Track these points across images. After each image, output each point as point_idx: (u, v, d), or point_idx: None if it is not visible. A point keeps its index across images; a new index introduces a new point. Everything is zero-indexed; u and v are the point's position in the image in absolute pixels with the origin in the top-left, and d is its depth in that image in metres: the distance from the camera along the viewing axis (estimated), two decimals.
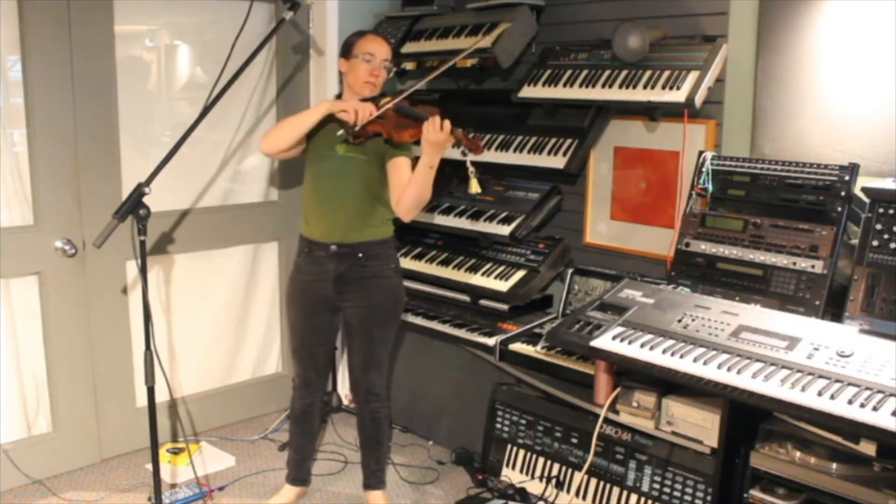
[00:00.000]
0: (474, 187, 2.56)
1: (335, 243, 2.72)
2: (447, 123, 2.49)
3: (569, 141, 3.06)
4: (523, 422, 3.11)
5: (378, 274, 2.76)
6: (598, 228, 3.18)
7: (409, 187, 2.63)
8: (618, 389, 2.62)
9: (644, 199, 3.02)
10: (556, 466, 2.99)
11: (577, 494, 2.88)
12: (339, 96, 2.87)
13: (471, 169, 2.52)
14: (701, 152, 2.69)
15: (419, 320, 3.32)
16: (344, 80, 2.81)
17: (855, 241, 2.32)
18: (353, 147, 2.68)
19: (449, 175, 3.52)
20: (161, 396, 2.86)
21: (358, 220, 2.73)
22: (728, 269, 2.55)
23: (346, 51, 2.77)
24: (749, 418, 2.23)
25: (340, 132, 2.64)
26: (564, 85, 3.00)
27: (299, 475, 3.03)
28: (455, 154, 2.59)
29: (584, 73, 2.97)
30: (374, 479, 2.95)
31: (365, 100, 2.71)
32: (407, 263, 3.42)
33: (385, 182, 2.74)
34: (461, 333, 3.17)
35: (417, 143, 2.60)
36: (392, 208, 2.75)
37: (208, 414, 3.63)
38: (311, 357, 2.88)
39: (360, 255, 2.72)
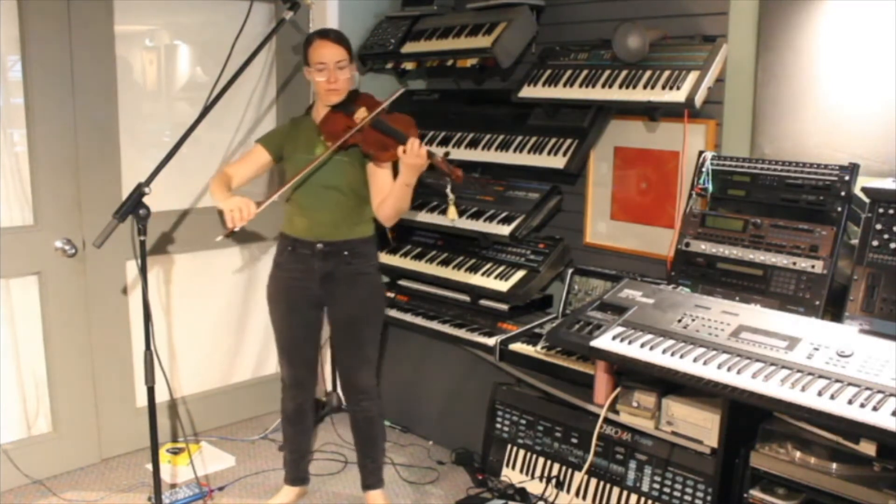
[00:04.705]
0: (451, 214, 2.58)
1: (321, 241, 2.72)
2: (424, 148, 2.51)
3: (569, 141, 3.06)
4: (523, 422, 3.11)
5: (362, 272, 2.76)
6: (598, 228, 3.18)
7: (387, 200, 2.68)
8: (618, 389, 2.62)
9: (644, 199, 3.02)
10: (556, 466, 2.99)
11: (577, 494, 2.88)
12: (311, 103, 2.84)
13: (451, 197, 2.54)
14: (701, 152, 2.69)
15: (419, 320, 3.32)
16: None
17: (855, 241, 2.32)
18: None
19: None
20: (161, 396, 2.86)
21: (343, 219, 2.73)
22: (728, 269, 2.55)
23: (304, 58, 2.74)
24: (749, 418, 2.23)
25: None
26: (564, 85, 3.00)
27: (298, 475, 3.02)
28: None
29: (584, 73, 2.97)
30: (372, 479, 2.95)
31: (336, 107, 2.70)
32: (407, 263, 3.42)
33: (367, 181, 2.75)
34: (461, 333, 3.17)
35: None
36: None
37: (208, 414, 3.63)
38: (301, 356, 2.87)
39: (346, 253, 2.72)
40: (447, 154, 2.59)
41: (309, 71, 2.72)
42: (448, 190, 2.57)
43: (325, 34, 2.73)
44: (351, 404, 2.90)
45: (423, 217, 3.38)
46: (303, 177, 2.67)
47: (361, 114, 2.67)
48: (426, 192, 3.38)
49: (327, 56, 2.66)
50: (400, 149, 2.52)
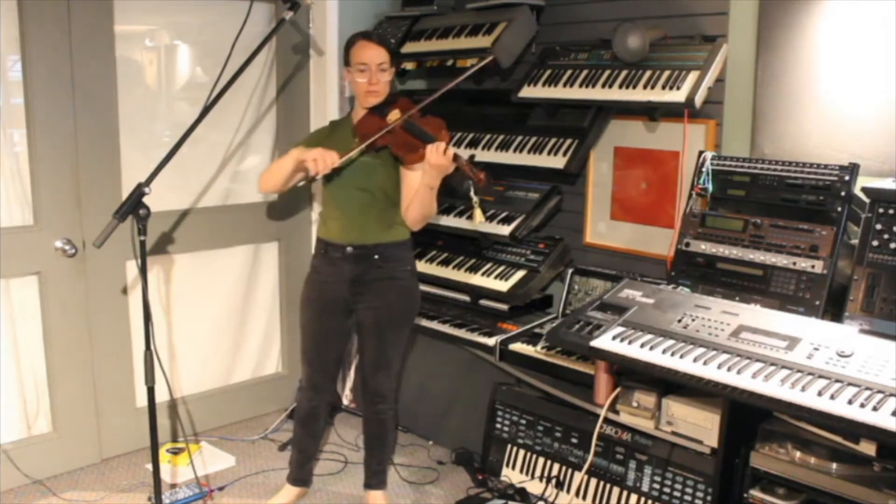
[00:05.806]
0: (478, 218, 2.56)
1: (351, 244, 2.71)
2: (451, 150, 2.50)
3: (569, 141, 3.06)
4: (523, 422, 3.11)
5: (393, 276, 2.75)
6: (598, 228, 3.18)
7: (413, 203, 2.68)
8: (618, 389, 2.62)
9: (644, 199, 3.01)
10: (556, 466, 2.99)
11: (577, 494, 2.88)
12: (352, 102, 2.84)
13: (475, 199, 2.52)
14: (701, 152, 2.69)
15: (420, 320, 3.32)
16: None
17: (855, 241, 2.32)
18: (367, 151, 2.69)
19: (449, 175, 3.52)
20: (161, 396, 2.86)
21: (374, 222, 2.73)
22: (728, 269, 2.55)
23: (346, 59, 2.75)
24: (749, 418, 2.23)
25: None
26: (564, 85, 3.00)
27: (301, 475, 3.03)
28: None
29: (584, 73, 2.97)
30: (375, 480, 2.95)
31: (372, 109, 2.71)
32: None
33: (399, 184, 2.75)
34: (461, 333, 3.17)
35: None
36: None
37: (208, 414, 3.63)
38: (321, 360, 2.87)
39: (376, 256, 2.72)
40: (472, 157, 2.58)
41: (349, 72, 2.73)
42: (471, 193, 2.55)
43: (369, 35, 2.74)
44: (365, 405, 2.90)
45: None
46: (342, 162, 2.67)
47: (394, 115, 2.68)
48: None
49: (369, 57, 2.66)
50: (427, 148, 2.52)
